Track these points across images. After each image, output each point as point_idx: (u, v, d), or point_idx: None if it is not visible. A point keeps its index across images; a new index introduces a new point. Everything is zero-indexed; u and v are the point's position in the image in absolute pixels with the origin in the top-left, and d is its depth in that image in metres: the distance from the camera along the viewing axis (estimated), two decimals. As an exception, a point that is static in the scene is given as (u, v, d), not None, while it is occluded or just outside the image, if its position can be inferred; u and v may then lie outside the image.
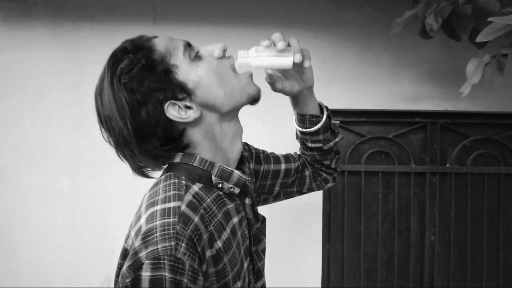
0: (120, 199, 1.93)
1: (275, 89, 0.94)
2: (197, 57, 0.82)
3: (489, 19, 1.03)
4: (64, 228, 1.98)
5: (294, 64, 0.86)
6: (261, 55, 0.85)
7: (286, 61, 0.86)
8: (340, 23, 1.95)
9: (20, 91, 1.95)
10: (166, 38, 0.83)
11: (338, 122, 1.09)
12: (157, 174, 0.87)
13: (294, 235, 2.00)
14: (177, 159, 0.83)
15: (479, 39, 1.08)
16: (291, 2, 1.94)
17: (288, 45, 0.87)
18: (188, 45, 0.82)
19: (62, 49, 1.94)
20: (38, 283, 1.98)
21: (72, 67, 1.94)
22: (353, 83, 1.98)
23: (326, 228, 1.98)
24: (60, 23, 1.93)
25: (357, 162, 1.98)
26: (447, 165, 1.97)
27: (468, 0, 1.35)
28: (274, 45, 0.86)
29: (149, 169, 0.86)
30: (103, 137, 0.82)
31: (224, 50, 0.85)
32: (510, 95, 1.93)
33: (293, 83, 0.94)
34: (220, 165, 0.83)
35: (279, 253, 1.97)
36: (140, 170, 0.85)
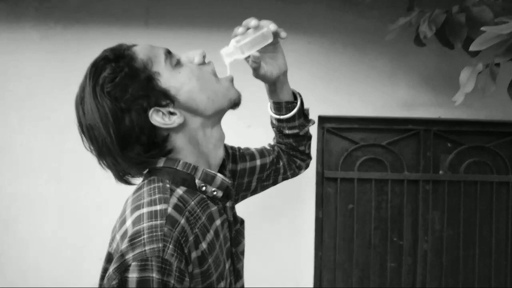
0: (108, 205, 1.91)
1: (257, 74, 0.96)
2: (178, 64, 0.83)
3: (482, 28, 1.03)
4: (51, 234, 1.95)
5: (274, 34, 0.90)
6: (242, 43, 0.89)
7: (265, 36, 0.90)
8: (334, 29, 1.95)
9: (8, 94, 1.93)
10: (146, 46, 0.83)
11: (308, 108, 1.12)
12: (139, 180, 0.87)
13: (286, 243, 1.99)
14: (160, 164, 0.83)
15: (472, 48, 1.08)
16: (285, 8, 1.93)
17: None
18: (168, 53, 0.84)
19: (51, 52, 1.92)
20: (27, 285, 1.95)
21: (61, 70, 1.92)
22: (346, 90, 1.97)
23: (319, 236, 1.97)
24: (51, 25, 1.91)
25: (350, 169, 1.98)
26: (440, 173, 1.97)
27: (461, 9, 1.35)
28: (248, 28, 0.90)
29: (131, 176, 0.86)
30: (85, 146, 0.83)
31: (204, 56, 0.87)
32: (503, 103, 1.93)
33: (272, 69, 0.98)
34: (203, 169, 0.85)
35: (270, 261, 1.96)
36: (123, 178, 0.86)
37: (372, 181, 1.97)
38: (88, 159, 2.03)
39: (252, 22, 0.88)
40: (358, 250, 1.98)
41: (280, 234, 1.98)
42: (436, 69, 1.97)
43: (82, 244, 1.94)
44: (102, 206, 1.93)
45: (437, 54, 1.92)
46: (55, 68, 1.92)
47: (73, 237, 1.95)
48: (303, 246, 1.97)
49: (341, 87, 1.97)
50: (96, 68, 0.79)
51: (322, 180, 1.97)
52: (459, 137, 1.98)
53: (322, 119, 1.94)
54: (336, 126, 1.97)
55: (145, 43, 0.85)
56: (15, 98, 1.93)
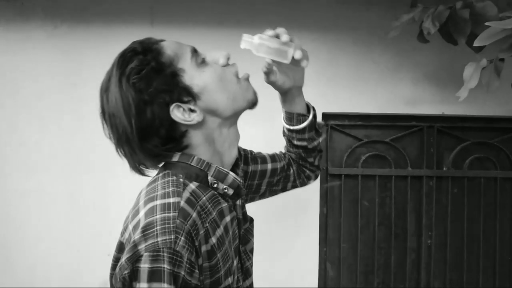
0: (116, 202, 1.92)
1: (268, 80, 0.97)
2: (203, 63, 0.85)
3: (487, 23, 1.03)
4: (60, 231, 1.97)
5: (293, 59, 0.89)
6: (264, 43, 0.89)
7: (285, 54, 0.89)
8: (338, 27, 1.96)
9: (16, 93, 1.94)
10: (174, 42, 0.85)
11: (322, 122, 1.14)
12: (152, 172, 0.89)
13: (291, 239, 2.00)
14: (175, 158, 0.85)
15: (476, 43, 1.08)
16: (289, 6, 1.94)
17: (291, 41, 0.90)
18: (194, 51, 0.85)
19: (58, 51, 1.93)
20: (35, 285, 1.97)
21: (68, 69, 1.93)
22: (350, 87, 1.98)
23: (323, 232, 1.98)
24: (57, 25, 1.93)
25: (354, 165, 1.98)
26: (444, 169, 1.97)
27: (465, 4, 1.36)
28: (278, 37, 0.89)
29: (146, 167, 0.88)
30: (105, 133, 0.84)
31: (228, 58, 0.88)
32: (507, 99, 1.93)
33: (285, 79, 0.98)
34: (216, 166, 0.86)
35: (276, 256, 1.97)
36: (137, 168, 0.87)
37: (376, 177, 1.97)
38: (97, 157, 2.05)
39: (284, 36, 0.88)
40: (362, 245, 1.98)
41: (285, 230, 1.99)
42: (439, 65, 1.98)
43: (91, 241, 1.96)
44: (110, 204, 1.94)
45: (441, 50, 1.92)
46: (62, 67, 1.93)
47: (82, 234, 1.97)
48: (308, 242, 1.97)
49: (344, 84, 1.97)
50: (124, 59, 0.80)
51: (326, 177, 1.97)
52: (463, 133, 1.98)
53: (326, 116, 1.95)
54: (340, 123, 1.97)
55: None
56: (23, 97, 1.94)
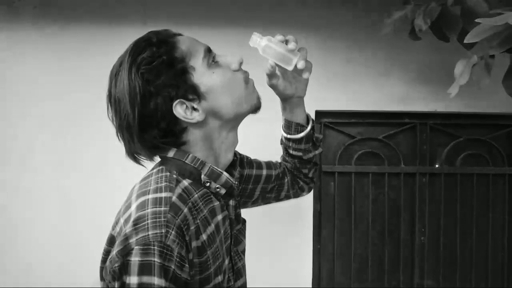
0: (110, 200, 1.90)
1: (269, 82, 0.99)
2: (215, 63, 0.86)
3: (477, 20, 1.03)
4: (54, 229, 1.96)
5: (295, 68, 0.91)
6: (271, 46, 0.90)
7: (289, 62, 0.91)
8: (330, 24, 1.96)
9: (8, 92, 1.93)
10: (190, 39, 0.87)
11: (321, 136, 1.14)
12: (146, 162, 0.90)
13: (284, 236, 2.00)
14: (170, 154, 0.86)
15: (467, 40, 1.08)
16: (281, 4, 1.94)
17: (298, 51, 0.92)
18: (208, 51, 0.87)
19: (51, 50, 1.93)
20: (29, 284, 1.96)
21: (61, 68, 1.92)
22: (343, 84, 1.98)
23: (317, 229, 1.98)
24: (49, 24, 1.92)
25: (347, 163, 1.99)
26: (437, 166, 1.98)
27: (456, 1, 1.36)
28: (286, 44, 0.91)
29: (142, 156, 0.89)
30: (108, 115, 0.86)
31: (241, 63, 0.90)
32: (499, 96, 1.93)
33: (287, 86, 1.00)
34: (210, 165, 0.87)
35: (269, 254, 1.97)
36: (133, 155, 0.88)
37: (369, 175, 1.98)
38: (91, 156, 2.04)
39: (291, 44, 0.90)
40: (356, 242, 1.99)
41: (279, 228, 1.99)
42: (432, 62, 1.98)
43: (85, 240, 1.95)
44: (105, 202, 1.93)
45: (433, 47, 1.93)
46: (54, 66, 1.92)
47: (76, 233, 1.96)
48: (302, 239, 1.98)
49: (337, 81, 1.98)
50: (137, 48, 0.82)
51: (320, 175, 1.98)
52: (455, 130, 1.99)
53: (319, 114, 1.95)
54: (333, 120, 1.97)
55: (190, 35, 0.88)
56: (15, 96, 1.94)
